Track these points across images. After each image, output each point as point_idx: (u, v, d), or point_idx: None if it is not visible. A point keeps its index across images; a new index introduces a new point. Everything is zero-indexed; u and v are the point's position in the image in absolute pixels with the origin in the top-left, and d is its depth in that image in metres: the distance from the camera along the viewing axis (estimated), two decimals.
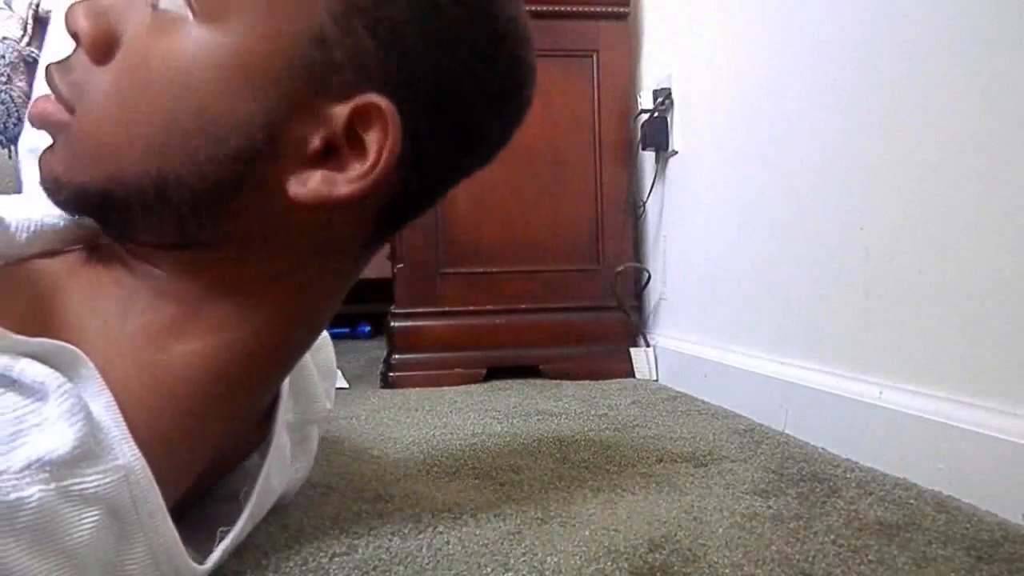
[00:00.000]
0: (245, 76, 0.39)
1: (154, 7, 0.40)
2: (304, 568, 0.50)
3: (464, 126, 0.46)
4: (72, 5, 0.42)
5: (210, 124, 0.40)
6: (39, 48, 1.34)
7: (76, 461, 0.33)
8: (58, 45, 0.92)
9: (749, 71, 1.11)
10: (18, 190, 1.28)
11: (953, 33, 0.67)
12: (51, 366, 0.35)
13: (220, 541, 0.46)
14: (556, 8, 1.51)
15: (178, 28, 0.40)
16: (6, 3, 1.37)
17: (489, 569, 0.49)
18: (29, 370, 0.34)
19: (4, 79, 1.24)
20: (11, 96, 1.24)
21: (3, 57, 1.25)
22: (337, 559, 0.51)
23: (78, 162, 0.42)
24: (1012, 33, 0.61)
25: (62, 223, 0.48)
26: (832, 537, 0.54)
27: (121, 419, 0.36)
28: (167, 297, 0.43)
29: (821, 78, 0.90)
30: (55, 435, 0.33)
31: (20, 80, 1.26)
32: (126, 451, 0.36)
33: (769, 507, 0.61)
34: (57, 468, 0.33)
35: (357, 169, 0.42)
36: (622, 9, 1.55)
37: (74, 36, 0.42)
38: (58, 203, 0.43)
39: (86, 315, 0.42)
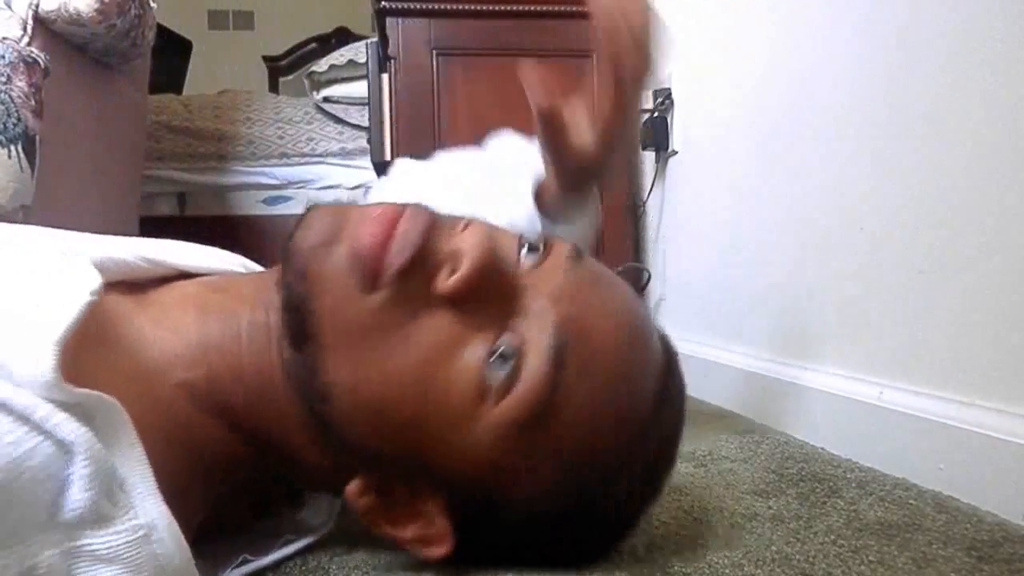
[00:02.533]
0: (477, 448, 0.41)
1: (486, 371, 0.40)
2: (304, 568, 0.50)
3: None
4: (490, 246, 0.42)
5: (399, 441, 0.41)
6: (38, 48, 1.34)
7: (87, 524, 0.33)
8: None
9: (749, 71, 1.11)
10: (17, 189, 1.28)
11: (952, 32, 0.67)
12: (88, 416, 0.34)
13: (237, 565, 0.46)
14: (556, 8, 1.51)
15: (484, 402, 0.40)
16: (6, 3, 1.37)
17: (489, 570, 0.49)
18: (64, 427, 0.33)
19: (4, 79, 1.23)
20: (11, 96, 1.24)
21: (3, 57, 1.25)
22: (337, 559, 0.51)
23: (334, 309, 0.41)
24: (1016, 33, 0.61)
25: (131, 259, 0.47)
26: (832, 537, 0.54)
27: (150, 475, 0.36)
28: (246, 382, 0.43)
29: (820, 78, 0.90)
30: (72, 498, 0.33)
31: (20, 80, 1.26)
32: (150, 508, 0.35)
33: (769, 507, 0.61)
34: (69, 529, 0.32)
35: (400, 524, 0.44)
36: None
37: (481, 268, 0.41)
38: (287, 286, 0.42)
39: (137, 354, 0.42)
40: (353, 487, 0.43)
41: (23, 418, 0.32)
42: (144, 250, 0.48)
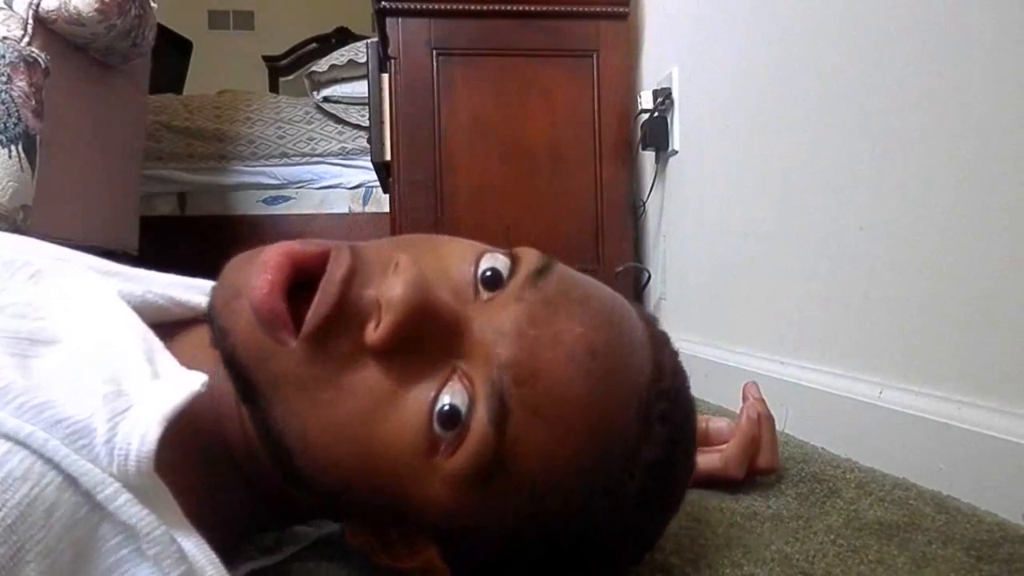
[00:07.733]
0: (447, 499, 0.37)
1: (435, 415, 0.36)
2: (303, 568, 0.50)
3: None
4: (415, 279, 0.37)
5: (362, 492, 0.39)
6: (38, 48, 1.34)
7: None
8: None
9: (749, 71, 1.11)
10: (17, 189, 1.27)
11: (954, 32, 0.67)
12: (144, 497, 0.34)
13: (246, 560, 0.47)
14: (556, 8, 1.51)
15: (436, 454, 0.37)
16: (6, 3, 1.37)
17: None
18: (125, 510, 0.33)
19: (4, 79, 1.24)
20: (11, 96, 1.24)
21: (3, 57, 1.25)
22: (337, 560, 0.51)
23: (258, 362, 0.38)
24: (1016, 31, 0.61)
25: (163, 303, 0.48)
26: (832, 537, 0.54)
27: (215, 557, 0.35)
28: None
29: (821, 77, 0.90)
30: None
31: (20, 80, 1.26)
32: None
33: (769, 507, 0.61)
34: None
35: (400, 558, 0.42)
36: (622, 9, 1.55)
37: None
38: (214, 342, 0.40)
39: None
40: (348, 527, 0.43)
41: (87, 496, 0.32)
42: (172, 291, 0.49)
